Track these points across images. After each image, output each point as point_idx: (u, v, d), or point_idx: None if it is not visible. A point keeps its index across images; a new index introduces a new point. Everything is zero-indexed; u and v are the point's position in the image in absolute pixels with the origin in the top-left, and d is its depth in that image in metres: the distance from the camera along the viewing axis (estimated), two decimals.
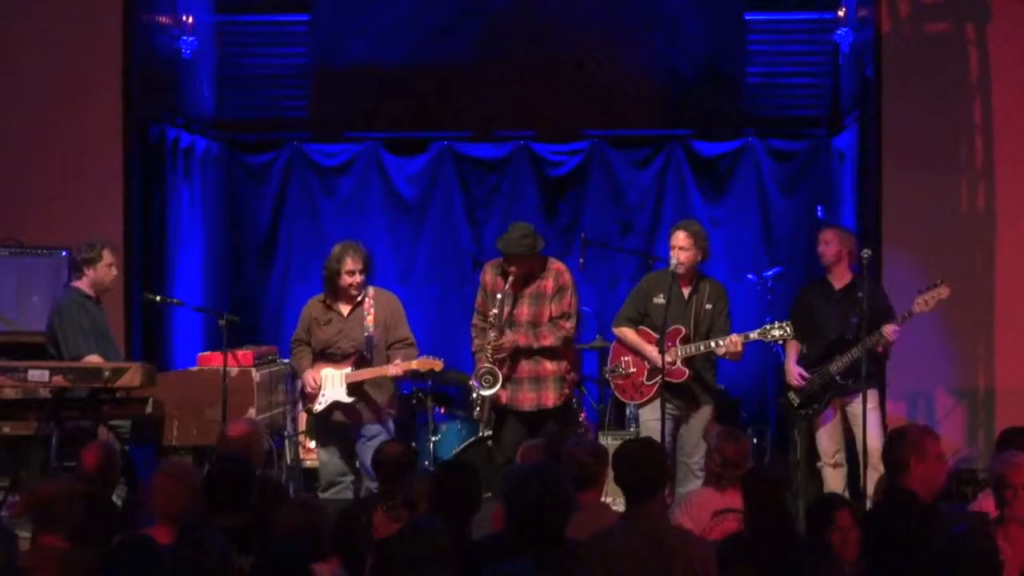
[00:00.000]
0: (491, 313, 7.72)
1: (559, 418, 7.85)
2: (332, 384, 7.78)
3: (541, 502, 4.47)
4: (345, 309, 7.84)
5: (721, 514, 5.91)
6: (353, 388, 7.75)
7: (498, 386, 7.71)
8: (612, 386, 8.09)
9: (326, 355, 7.85)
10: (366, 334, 7.77)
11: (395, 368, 7.75)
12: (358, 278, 7.75)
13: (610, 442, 8.65)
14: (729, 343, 7.55)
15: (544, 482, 4.50)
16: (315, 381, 7.78)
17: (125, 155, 9.28)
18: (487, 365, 7.72)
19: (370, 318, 7.80)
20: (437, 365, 7.82)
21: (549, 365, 7.80)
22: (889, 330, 7.74)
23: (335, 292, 7.82)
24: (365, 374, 7.75)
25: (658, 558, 4.69)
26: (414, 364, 7.79)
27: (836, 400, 7.95)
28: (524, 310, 7.78)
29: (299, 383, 8.24)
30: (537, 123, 10.82)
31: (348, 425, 7.81)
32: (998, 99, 9.05)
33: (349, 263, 7.73)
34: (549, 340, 7.74)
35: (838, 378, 7.82)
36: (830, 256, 8.02)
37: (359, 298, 7.83)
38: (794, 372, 7.98)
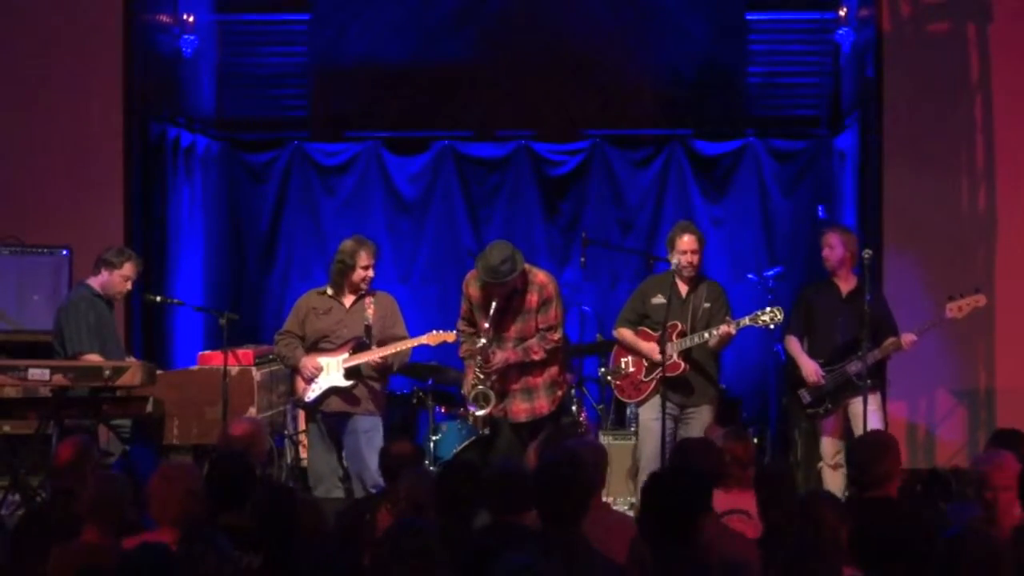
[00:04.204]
0: (479, 341, 7.72)
1: (553, 421, 7.88)
2: (327, 372, 7.76)
3: (566, 484, 4.59)
4: (348, 300, 7.86)
5: (727, 515, 5.90)
6: (351, 372, 7.75)
7: (491, 406, 7.77)
8: (612, 387, 8.10)
9: (319, 347, 7.83)
10: (366, 323, 7.80)
11: (404, 344, 7.77)
12: (371, 273, 7.82)
13: (610, 442, 8.66)
14: (722, 331, 7.56)
15: (571, 465, 4.62)
16: (315, 365, 7.75)
17: (126, 154, 9.29)
18: (480, 387, 7.76)
19: (371, 311, 7.83)
20: (449, 337, 7.85)
21: (539, 375, 7.83)
22: (907, 340, 7.72)
23: (342, 285, 7.84)
24: (370, 355, 7.73)
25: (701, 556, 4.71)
26: (424, 339, 7.83)
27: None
28: (511, 326, 7.80)
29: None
30: (537, 123, 10.82)
31: (343, 415, 7.78)
32: (998, 99, 9.05)
33: (363, 258, 7.78)
34: (539, 355, 7.79)
35: (855, 379, 7.72)
36: (835, 260, 7.97)
37: (363, 292, 7.86)
38: (811, 368, 7.90)
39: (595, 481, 4.78)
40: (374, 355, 7.75)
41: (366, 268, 7.79)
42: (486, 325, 7.71)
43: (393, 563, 4.13)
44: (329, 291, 7.90)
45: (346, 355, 7.74)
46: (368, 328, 7.80)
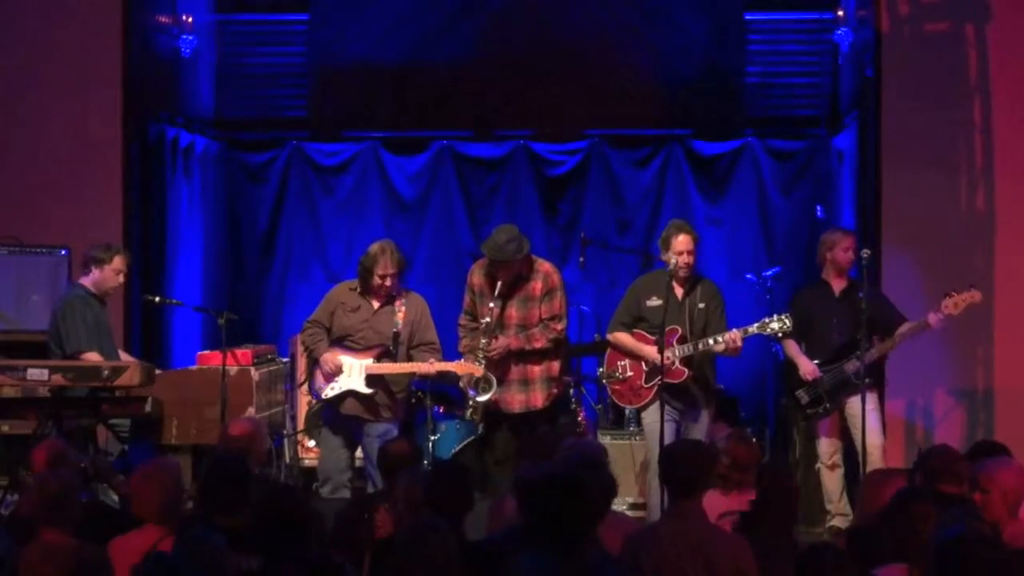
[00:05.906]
0: (482, 321, 7.73)
1: (548, 418, 7.87)
2: (349, 373, 7.69)
3: (562, 507, 4.37)
4: (376, 303, 7.81)
5: (727, 516, 5.90)
6: (372, 380, 7.70)
7: (492, 391, 7.76)
8: (609, 391, 8.08)
9: (344, 344, 7.79)
10: (394, 330, 7.73)
11: (431, 367, 7.68)
12: (389, 282, 7.71)
13: (609, 442, 8.66)
14: (728, 339, 7.54)
15: (567, 489, 4.42)
16: (335, 363, 7.71)
17: (125, 154, 9.28)
18: (481, 371, 7.74)
19: (400, 315, 7.76)
20: (477, 371, 7.77)
21: (537, 366, 7.84)
22: (935, 319, 7.74)
23: (367, 288, 7.79)
24: (393, 368, 7.68)
25: (695, 556, 4.70)
26: (452, 366, 7.76)
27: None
28: (513, 313, 7.81)
29: (300, 369, 8.17)
30: (537, 123, 10.82)
31: (359, 419, 7.74)
32: (998, 99, 9.05)
33: (382, 267, 7.68)
34: (541, 343, 7.79)
35: (853, 377, 7.73)
36: (848, 263, 7.97)
37: (392, 293, 7.80)
38: (809, 366, 7.91)
39: (600, 501, 4.69)
40: (397, 368, 7.67)
41: (383, 277, 7.68)
42: (491, 305, 7.71)
43: (411, 565, 4.12)
44: (359, 289, 7.85)
45: (370, 361, 7.68)
46: (396, 335, 7.71)
